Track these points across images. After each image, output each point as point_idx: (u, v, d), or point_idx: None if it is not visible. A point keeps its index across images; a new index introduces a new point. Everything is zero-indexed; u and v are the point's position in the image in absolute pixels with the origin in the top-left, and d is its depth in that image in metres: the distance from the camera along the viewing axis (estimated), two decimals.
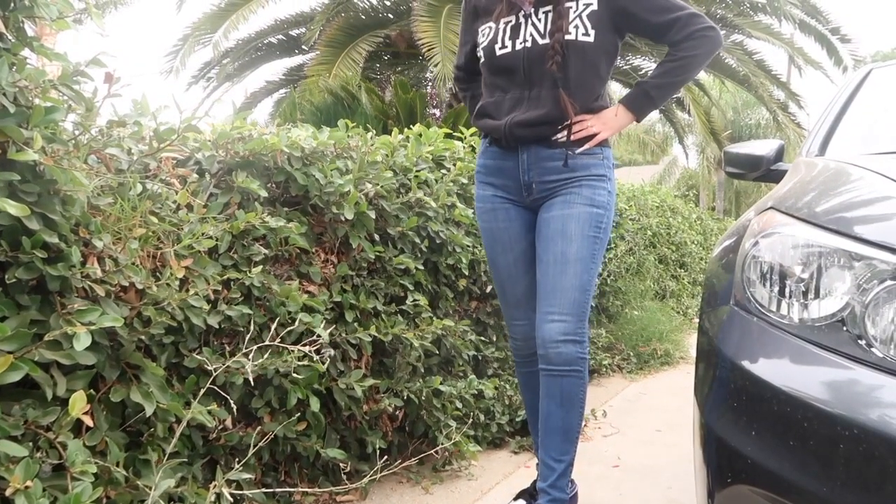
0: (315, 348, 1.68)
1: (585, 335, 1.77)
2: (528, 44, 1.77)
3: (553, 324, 1.74)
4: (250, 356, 1.57)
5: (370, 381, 2.01)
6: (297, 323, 1.73)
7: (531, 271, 1.87)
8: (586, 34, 1.74)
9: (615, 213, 1.99)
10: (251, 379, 1.60)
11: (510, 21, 1.81)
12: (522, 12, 1.80)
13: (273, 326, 1.65)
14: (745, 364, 1.17)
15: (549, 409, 1.77)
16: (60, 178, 1.21)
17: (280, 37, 9.85)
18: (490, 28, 1.85)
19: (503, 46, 1.80)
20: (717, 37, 1.78)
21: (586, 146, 1.79)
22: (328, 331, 1.81)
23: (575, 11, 1.74)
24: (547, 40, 1.75)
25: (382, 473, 1.89)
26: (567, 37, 1.73)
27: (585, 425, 2.89)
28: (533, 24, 1.78)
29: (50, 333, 1.17)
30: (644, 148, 27.64)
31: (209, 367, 1.53)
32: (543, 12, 1.77)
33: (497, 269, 1.96)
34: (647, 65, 10.27)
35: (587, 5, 1.74)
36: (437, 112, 7.96)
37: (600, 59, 1.79)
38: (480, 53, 1.87)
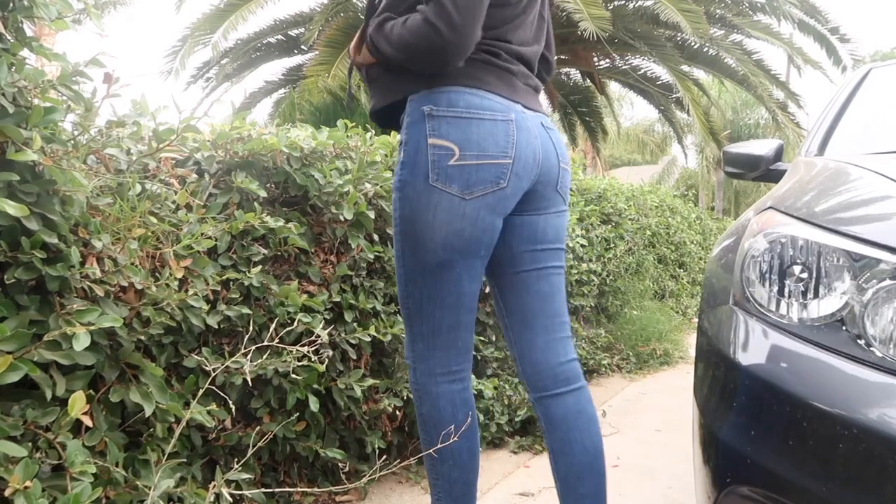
0: (314, 349, 1.67)
1: (412, 358, 1.49)
2: None
3: None
4: (249, 356, 1.57)
5: (369, 382, 2.01)
6: (296, 323, 1.73)
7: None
8: None
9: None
10: (250, 379, 1.60)
11: None
12: None
13: (272, 327, 1.64)
14: (745, 364, 1.17)
15: None
16: (60, 179, 1.21)
17: (279, 37, 9.85)
18: None
19: None
20: (446, 36, 1.22)
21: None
22: (327, 331, 1.81)
23: None
24: None
25: (382, 473, 1.89)
26: None
27: None
28: None
29: (49, 334, 1.17)
30: (643, 148, 27.70)
31: (208, 368, 1.53)
32: None
33: None
34: (647, 65, 10.27)
35: None
36: None
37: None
38: None
